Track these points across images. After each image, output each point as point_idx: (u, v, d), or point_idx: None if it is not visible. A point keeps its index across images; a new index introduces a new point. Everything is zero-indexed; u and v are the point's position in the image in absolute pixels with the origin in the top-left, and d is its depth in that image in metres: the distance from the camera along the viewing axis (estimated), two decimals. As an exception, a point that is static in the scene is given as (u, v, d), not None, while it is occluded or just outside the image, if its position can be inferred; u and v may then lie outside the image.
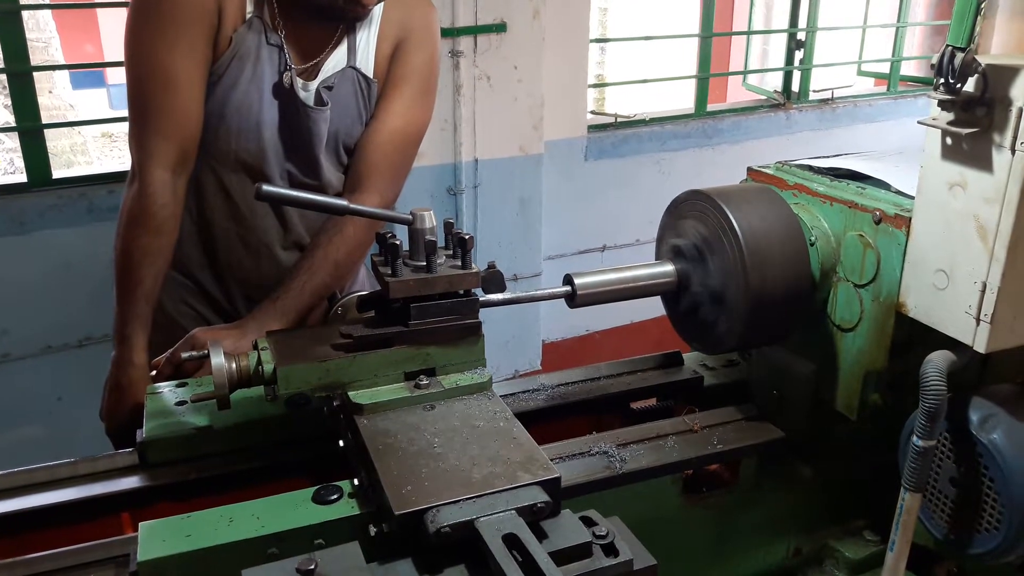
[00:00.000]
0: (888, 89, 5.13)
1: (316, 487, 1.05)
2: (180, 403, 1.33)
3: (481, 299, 1.20)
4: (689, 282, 1.31)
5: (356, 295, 1.60)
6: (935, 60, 1.07)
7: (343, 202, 1.19)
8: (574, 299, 1.25)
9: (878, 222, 1.25)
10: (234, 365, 1.14)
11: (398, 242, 1.15)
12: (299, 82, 1.70)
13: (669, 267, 1.32)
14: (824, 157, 1.52)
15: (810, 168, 1.46)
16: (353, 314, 1.59)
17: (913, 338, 1.27)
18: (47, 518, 1.15)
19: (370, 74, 1.76)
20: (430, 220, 1.20)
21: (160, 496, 1.20)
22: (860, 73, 5.71)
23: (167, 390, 1.37)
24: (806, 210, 1.37)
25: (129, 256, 1.60)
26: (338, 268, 1.72)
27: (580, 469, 1.21)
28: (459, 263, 1.18)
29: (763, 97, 4.74)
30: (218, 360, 1.12)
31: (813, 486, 1.46)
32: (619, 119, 4.03)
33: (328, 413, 1.22)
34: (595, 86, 3.80)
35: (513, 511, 0.91)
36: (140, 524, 0.97)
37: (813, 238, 1.33)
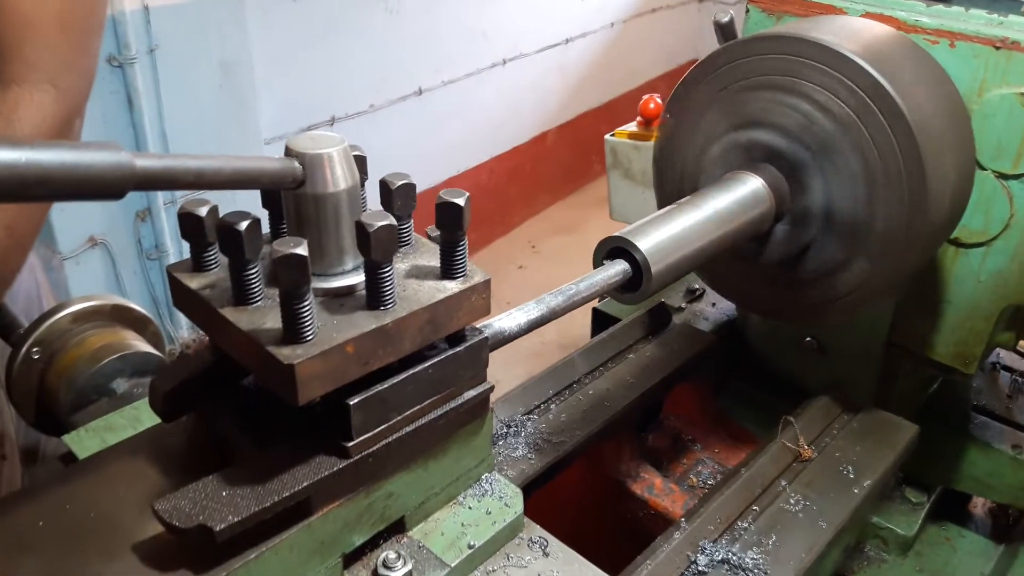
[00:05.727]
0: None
1: None
2: None
3: (490, 332, 0.51)
4: (797, 207, 0.72)
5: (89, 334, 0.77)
6: None
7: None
8: (644, 284, 0.61)
9: (1067, 70, 0.76)
10: None
11: (302, 254, 0.40)
12: None
13: (756, 182, 0.71)
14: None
15: (867, -16, 0.91)
16: (69, 361, 0.76)
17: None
18: None
19: None
20: (345, 172, 0.46)
21: None
22: None
23: None
24: (905, 56, 0.83)
25: None
26: None
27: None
28: (430, 264, 0.47)
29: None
30: None
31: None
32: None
33: None
34: None
35: None
36: None
37: (930, 103, 0.80)
